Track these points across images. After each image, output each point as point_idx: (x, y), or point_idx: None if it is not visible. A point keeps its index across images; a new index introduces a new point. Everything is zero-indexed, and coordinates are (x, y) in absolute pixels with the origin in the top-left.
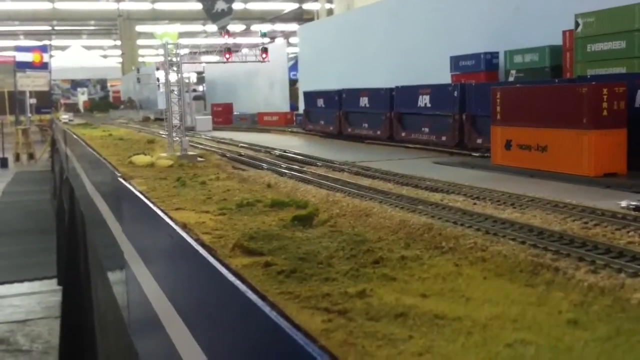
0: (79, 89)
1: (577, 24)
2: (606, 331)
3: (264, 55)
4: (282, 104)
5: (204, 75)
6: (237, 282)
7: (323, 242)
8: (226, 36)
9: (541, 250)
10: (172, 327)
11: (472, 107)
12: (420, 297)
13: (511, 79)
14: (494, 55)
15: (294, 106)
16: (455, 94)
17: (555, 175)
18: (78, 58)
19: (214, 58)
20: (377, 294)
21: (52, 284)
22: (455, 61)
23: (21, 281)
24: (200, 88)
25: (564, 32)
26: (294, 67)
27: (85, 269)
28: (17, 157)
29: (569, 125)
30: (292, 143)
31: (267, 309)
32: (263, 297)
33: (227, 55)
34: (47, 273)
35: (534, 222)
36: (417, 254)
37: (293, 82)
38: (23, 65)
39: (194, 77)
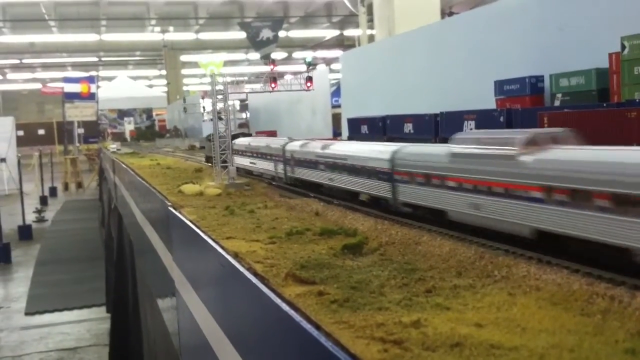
0: (125, 119)
1: (623, 47)
2: None
3: (308, 84)
4: (324, 130)
5: (247, 102)
6: (292, 312)
7: (374, 271)
8: (272, 66)
9: (595, 279)
10: (224, 355)
11: None
12: (475, 327)
13: (557, 102)
14: (539, 78)
15: (336, 132)
16: (502, 119)
17: None
18: (124, 88)
19: (259, 86)
20: (431, 323)
21: (101, 312)
22: (500, 85)
23: (70, 309)
24: (244, 115)
25: (610, 55)
26: (336, 93)
27: (134, 296)
28: (66, 186)
29: None
30: None
31: (322, 339)
32: (318, 327)
33: (273, 85)
34: (96, 301)
35: None
36: (470, 282)
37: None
38: (71, 96)
39: (237, 105)
